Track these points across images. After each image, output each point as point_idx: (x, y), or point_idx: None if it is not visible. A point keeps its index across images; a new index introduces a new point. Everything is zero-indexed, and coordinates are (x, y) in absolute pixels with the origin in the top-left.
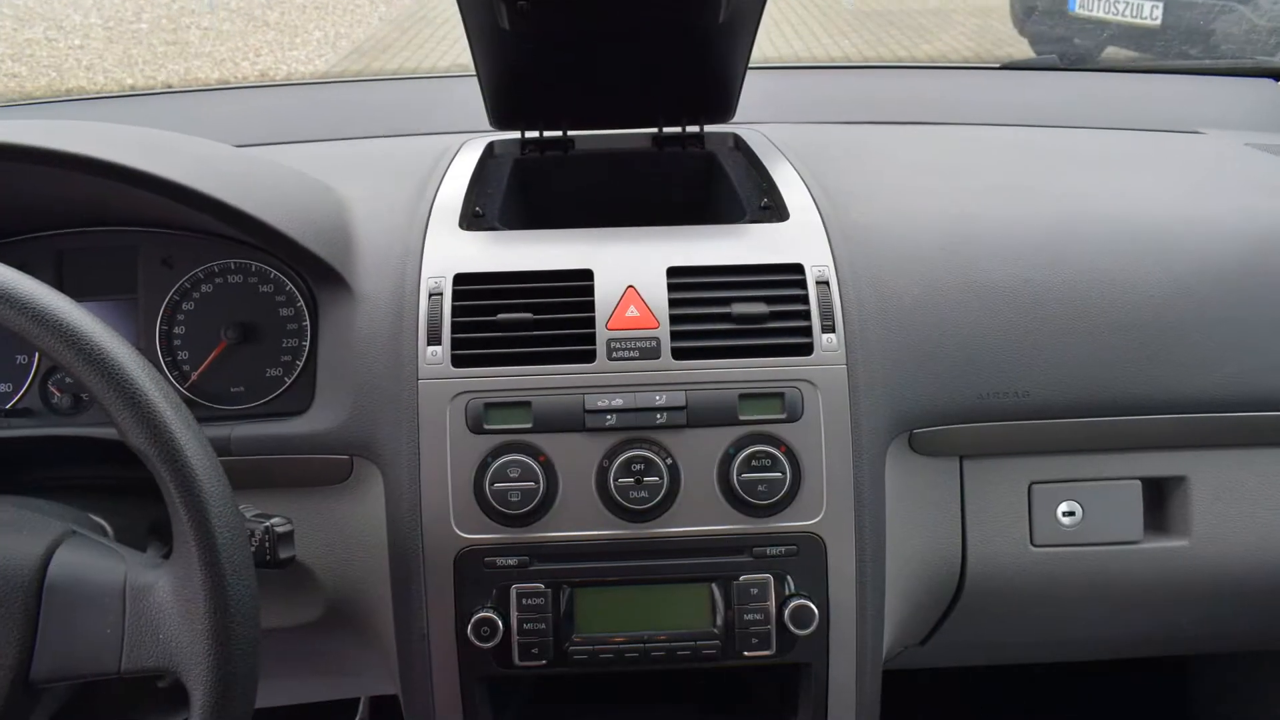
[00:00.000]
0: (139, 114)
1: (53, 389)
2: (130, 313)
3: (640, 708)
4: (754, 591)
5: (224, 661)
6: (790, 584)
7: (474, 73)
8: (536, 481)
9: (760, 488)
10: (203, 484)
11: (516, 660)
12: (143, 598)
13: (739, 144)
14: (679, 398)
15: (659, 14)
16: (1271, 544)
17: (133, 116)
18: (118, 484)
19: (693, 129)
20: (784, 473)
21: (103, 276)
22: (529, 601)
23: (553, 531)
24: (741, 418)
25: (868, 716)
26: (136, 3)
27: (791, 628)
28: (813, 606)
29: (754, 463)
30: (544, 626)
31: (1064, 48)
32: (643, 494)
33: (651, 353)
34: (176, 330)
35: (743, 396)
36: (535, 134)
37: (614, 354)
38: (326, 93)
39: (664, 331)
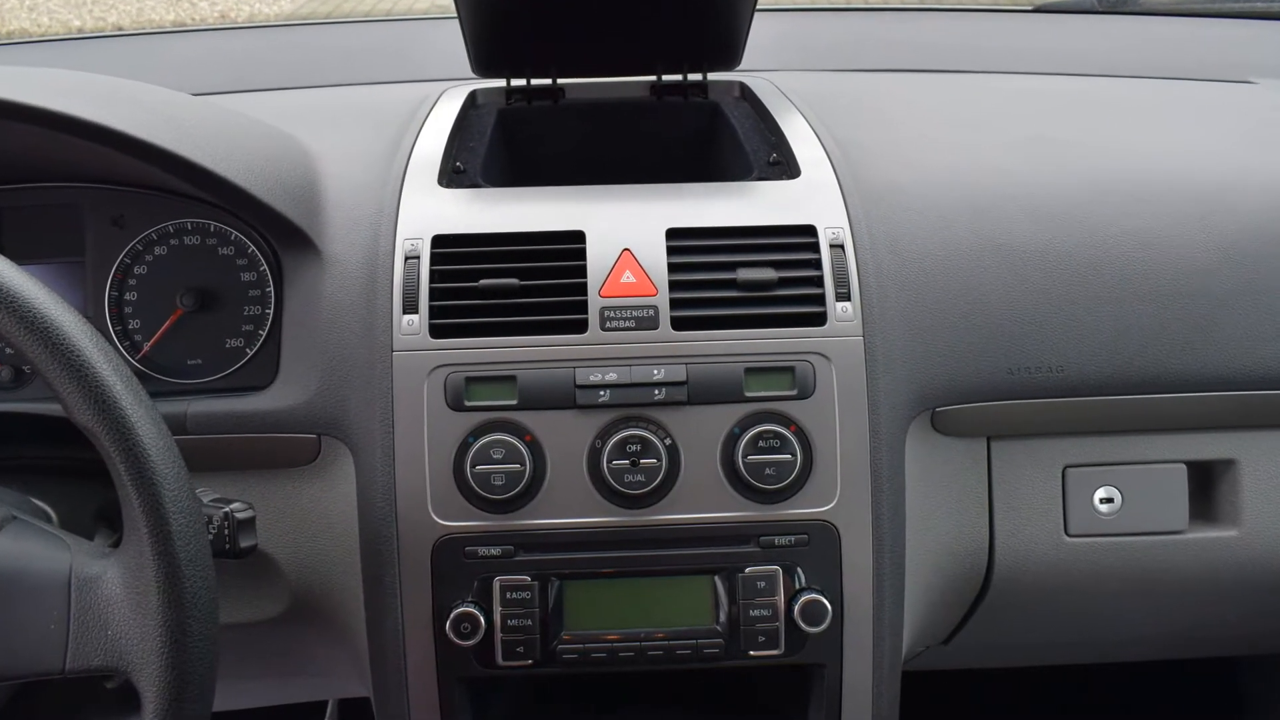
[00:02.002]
0: (87, 58)
1: None
2: (77, 277)
3: (636, 712)
4: (761, 585)
5: (178, 660)
6: (801, 577)
7: (455, 14)
8: (522, 463)
9: (768, 471)
10: (155, 465)
11: (500, 660)
12: (89, 590)
13: (745, 93)
14: (679, 372)
15: None
16: None
17: (80, 61)
18: (63, 465)
19: (695, 77)
20: (794, 455)
21: (46, 237)
22: (514, 595)
23: (540, 518)
24: (747, 394)
25: None
26: None
27: (802, 625)
28: (825, 602)
29: (761, 443)
30: (530, 623)
31: None
32: (639, 477)
33: (649, 322)
34: (128, 296)
35: (749, 371)
36: (522, 82)
37: (608, 324)
38: (293, 36)
39: (663, 299)
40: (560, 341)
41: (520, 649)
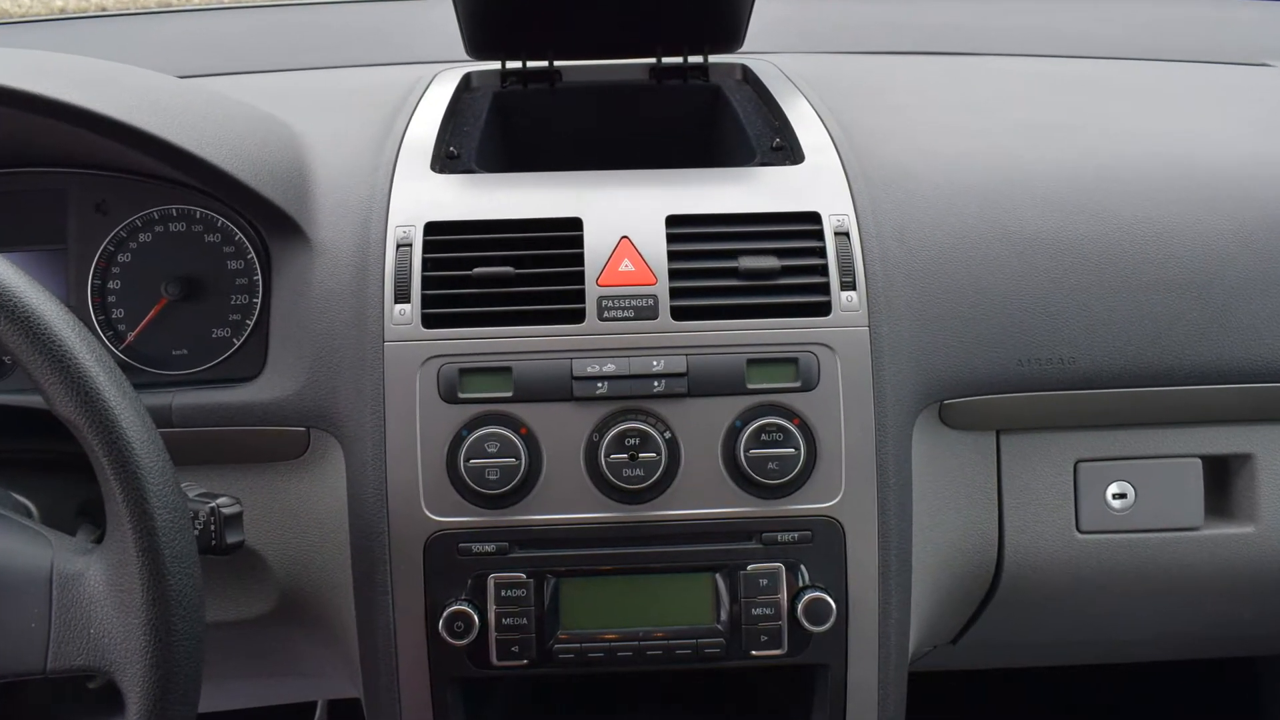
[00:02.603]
0: (70, 40)
1: None
2: (59, 265)
3: (634, 713)
4: (763, 583)
5: (163, 660)
6: (804, 574)
7: None
8: (517, 457)
9: (770, 465)
10: (140, 459)
11: (494, 660)
12: (71, 587)
13: (748, 76)
14: (679, 363)
15: None
16: None
17: (63, 42)
18: (44, 458)
19: (696, 59)
20: (797, 448)
21: (27, 224)
22: (508, 593)
23: (536, 514)
24: (750, 386)
25: None
26: None
27: (805, 624)
28: (829, 600)
29: (763, 437)
30: (525, 621)
31: None
32: (638, 472)
33: (648, 312)
34: (111, 285)
35: (751, 362)
36: (517, 64)
37: (605, 313)
38: (282, 16)
39: (662, 288)
40: (557, 332)
41: (515, 648)
